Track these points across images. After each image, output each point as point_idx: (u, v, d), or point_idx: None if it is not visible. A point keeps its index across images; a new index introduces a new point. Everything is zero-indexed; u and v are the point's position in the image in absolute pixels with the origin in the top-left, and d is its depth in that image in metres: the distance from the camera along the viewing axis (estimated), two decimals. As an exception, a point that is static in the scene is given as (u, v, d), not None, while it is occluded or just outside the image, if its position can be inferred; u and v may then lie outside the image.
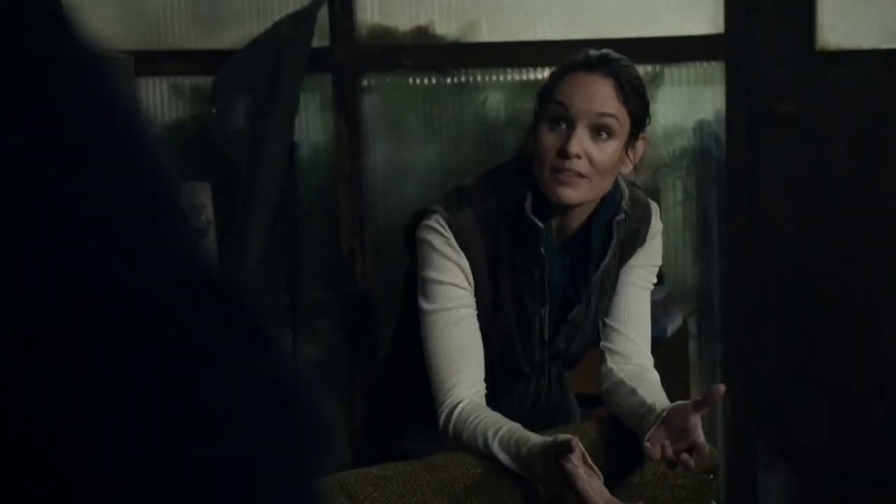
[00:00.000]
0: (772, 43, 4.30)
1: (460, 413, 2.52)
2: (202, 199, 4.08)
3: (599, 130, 2.52)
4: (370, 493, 2.35)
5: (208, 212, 4.09)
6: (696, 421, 2.37)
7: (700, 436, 2.36)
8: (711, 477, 2.61)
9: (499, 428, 2.47)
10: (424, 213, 2.61)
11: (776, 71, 4.31)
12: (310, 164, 4.64)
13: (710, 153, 4.43)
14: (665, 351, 4.03)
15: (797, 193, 4.33)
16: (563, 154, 2.50)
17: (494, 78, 4.52)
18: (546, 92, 2.57)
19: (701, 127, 4.43)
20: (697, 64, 4.40)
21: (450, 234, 2.55)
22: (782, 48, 4.30)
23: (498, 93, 4.48)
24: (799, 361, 4.38)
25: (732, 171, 4.37)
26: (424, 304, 2.58)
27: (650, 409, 2.48)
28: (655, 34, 4.37)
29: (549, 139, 2.52)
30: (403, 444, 2.78)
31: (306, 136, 4.63)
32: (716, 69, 4.37)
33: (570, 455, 2.30)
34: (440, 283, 2.56)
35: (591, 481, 2.32)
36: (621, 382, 2.63)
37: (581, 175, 2.51)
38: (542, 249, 2.57)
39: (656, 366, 3.91)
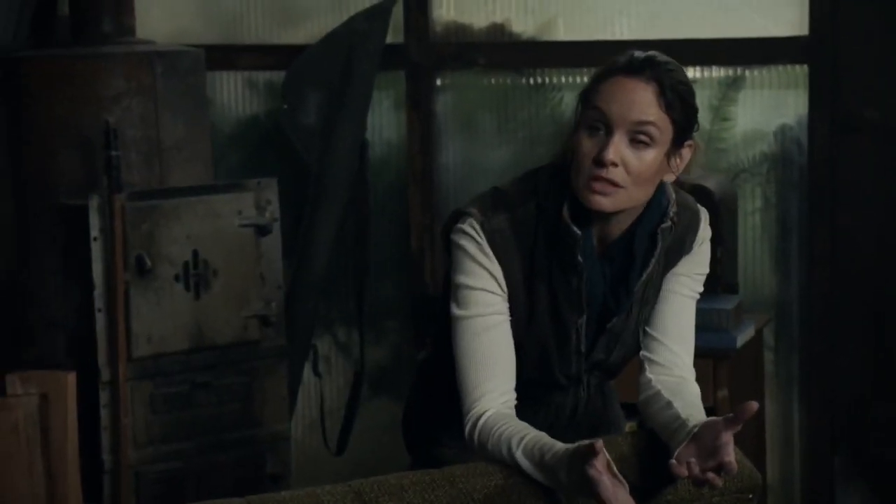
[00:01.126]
0: (857, 46, 4.16)
1: (485, 422, 2.44)
2: (268, 195, 4.03)
3: (638, 138, 2.42)
4: (385, 503, 2.28)
5: (274, 208, 4.03)
6: (728, 439, 2.27)
7: (729, 454, 2.26)
8: (750, 496, 2.49)
9: (523, 436, 2.38)
10: (459, 215, 2.53)
11: (861, 75, 4.16)
12: (382, 162, 4.58)
13: (791, 159, 4.30)
14: (737, 362, 3.93)
15: (880, 201, 4.18)
16: (599, 162, 2.40)
17: (570, 79, 4.43)
18: (586, 96, 2.47)
19: (782, 132, 4.30)
20: (780, 67, 4.27)
21: (483, 239, 2.47)
22: (868, 52, 4.15)
23: (574, 93, 4.34)
24: (879, 375, 4.23)
25: (814, 178, 4.23)
26: (455, 310, 2.50)
27: (683, 424, 2.37)
28: (737, 35, 4.25)
29: (587, 145, 2.43)
30: (439, 450, 2.71)
31: (379, 134, 4.59)
32: (799, 72, 4.24)
33: (593, 461, 2.20)
34: (471, 288, 2.48)
35: (615, 490, 2.22)
36: (658, 394, 2.53)
37: (616, 184, 2.41)
38: (580, 257, 2.48)
39: (726, 376, 3.85)
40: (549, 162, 2.58)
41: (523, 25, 4.45)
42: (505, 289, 2.49)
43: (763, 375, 4.29)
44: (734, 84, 4.30)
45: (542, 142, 4.44)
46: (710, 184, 3.96)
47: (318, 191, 4.41)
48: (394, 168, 4.60)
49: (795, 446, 4.37)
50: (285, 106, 4.47)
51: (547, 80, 4.45)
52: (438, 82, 4.53)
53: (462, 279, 2.49)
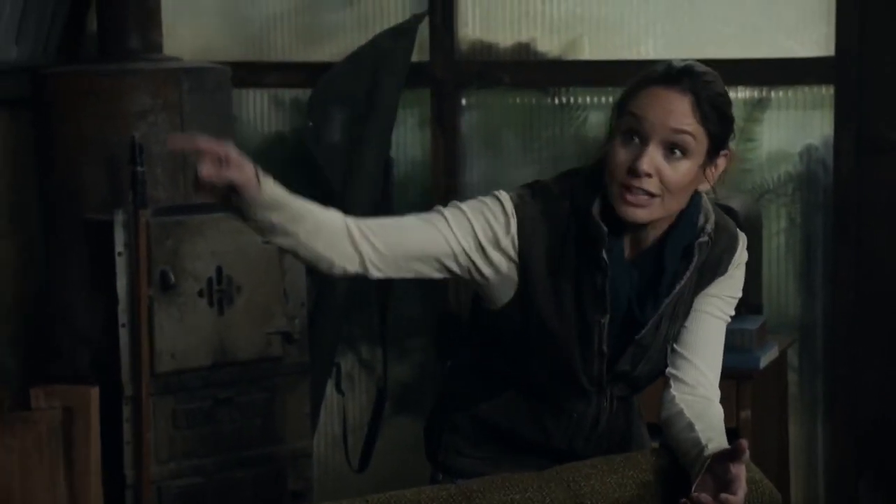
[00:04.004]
0: (884, 67, 4.15)
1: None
2: (293, 212, 4.04)
3: (673, 148, 2.41)
4: (401, 519, 2.27)
5: (298, 225, 4.03)
6: (737, 472, 2.28)
7: (736, 490, 2.27)
8: (771, 516, 2.48)
9: None
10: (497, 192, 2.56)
11: (888, 96, 4.15)
12: (406, 180, 4.59)
13: (816, 180, 4.29)
14: (760, 382, 3.91)
15: (906, 224, 4.17)
16: (634, 172, 2.41)
17: (595, 98, 4.43)
18: (622, 103, 2.48)
19: (808, 152, 4.29)
20: (806, 87, 4.26)
21: (513, 218, 2.47)
22: (895, 73, 4.14)
23: (599, 112, 4.39)
24: (904, 399, 4.21)
25: (839, 199, 4.22)
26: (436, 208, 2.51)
27: (700, 452, 2.38)
28: (762, 55, 4.25)
29: (622, 154, 2.43)
30: (460, 459, 2.72)
31: (403, 152, 4.59)
32: (825, 93, 4.23)
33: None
34: (460, 210, 2.48)
35: None
36: (681, 413, 2.52)
37: (651, 194, 2.41)
38: (605, 255, 2.48)
39: (750, 396, 3.83)
40: (588, 165, 2.59)
41: (549, 44, 4.46)
42: (473, 248, 2.47)
43: (787, 396, 4.27)
44: (759, 105, 4.29)
45: (567, 161, 4.43)
46: (735, 204, 3.94)
47: (342, 208, 4.40)
48: (418, 186, 4.61)
49: (819, 468, 4.35)
50: (310, 124, 4.48)
51: (572, 99, 4.46)
52: (463, 101, 4.54)
53: (462, 204, 2.49)
